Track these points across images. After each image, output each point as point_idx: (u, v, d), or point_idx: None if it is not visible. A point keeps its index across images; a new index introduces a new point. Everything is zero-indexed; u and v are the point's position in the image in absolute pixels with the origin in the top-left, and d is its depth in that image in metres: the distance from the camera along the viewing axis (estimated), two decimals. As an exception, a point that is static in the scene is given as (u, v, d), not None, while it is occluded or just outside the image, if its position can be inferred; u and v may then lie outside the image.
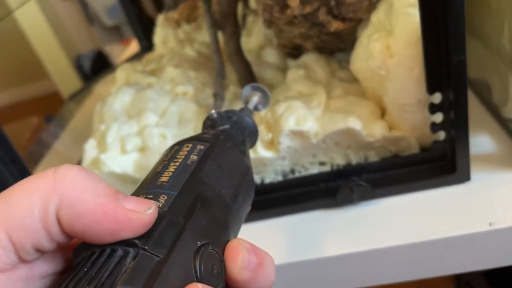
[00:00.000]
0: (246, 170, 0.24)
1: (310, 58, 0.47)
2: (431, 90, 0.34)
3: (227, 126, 0.27)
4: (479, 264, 0.34)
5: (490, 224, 0.33)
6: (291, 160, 0.41)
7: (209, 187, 0.21)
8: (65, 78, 2.17)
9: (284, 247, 0.37)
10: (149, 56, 0.63)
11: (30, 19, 2.08)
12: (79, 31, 2.34)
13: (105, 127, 0.45)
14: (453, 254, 0.34)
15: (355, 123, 0.38)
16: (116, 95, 0.47)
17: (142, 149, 0.43)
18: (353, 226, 0.36)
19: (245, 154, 0.26)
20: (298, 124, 0.39)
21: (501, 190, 0.35)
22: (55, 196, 0.16)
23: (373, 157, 0.40)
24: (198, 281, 0.17)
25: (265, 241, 0.38)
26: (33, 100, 2.55)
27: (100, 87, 0.84)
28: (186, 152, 0.22)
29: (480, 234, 0.33)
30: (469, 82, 0.47)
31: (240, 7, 0.57)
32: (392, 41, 0.36)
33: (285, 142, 0.40)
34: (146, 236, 0.17)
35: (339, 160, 0.41)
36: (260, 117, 0.42)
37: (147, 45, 0.74)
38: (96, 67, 2.20)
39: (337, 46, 0.49)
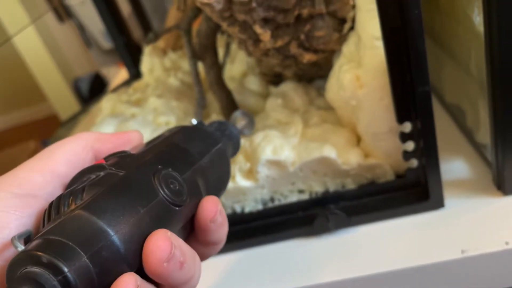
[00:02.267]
0: (216, 143, 0.28)
1: (288, 87, 0.48)
2: (400, 119, 0.35)
3: (207, 128, 0.30)
4: (452, 292, 0.34)
5: (462, 251, 0.33)
6: (270, 188, 0.42)
7: (177, 144, 0.25)
8: (63, 101, 2.19)
9: (263, 276, 0.37)
10: (136, 84, 0.64)
11: (28, 43, 2.10)
12: (76, 54, 2.37)
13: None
14: (427, 281, 0.34)
15: (330, 152, 0.39)
16: (100, 126, 0.48)
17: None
18: (329, 254, 0.37)
19: (219, 140, 0.28)
20: (275, 154, 0.40)
21: (474, 217, 0.36)
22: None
23: (350, 184, 0.41)
24: (159, 192, 0.21)
25: (244, 270, 0.38)
26: (31, 124, 2.57)
27: (95, 111, 0.86)
28: (163, 133, 0.27)
29: (452, 262, 0.33)
30: (446, 106, 0.48)
31: (222, 36, 0.58)
32: (361, 72, 0.36)
33: (263, 171, 0.41)
34: (115, 163, 0.22)
35: (318, 188, 0.42)
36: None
37: (136, 73, 0.75)
38: (94, 90, 2.22)
39: (316, 73, 0.50)
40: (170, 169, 0.23)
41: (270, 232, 0.40)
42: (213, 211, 0.24)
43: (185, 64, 0.65)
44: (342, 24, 0.38)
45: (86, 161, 0.24)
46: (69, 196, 0.20)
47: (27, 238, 0.20)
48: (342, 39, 0.39)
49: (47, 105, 2.27)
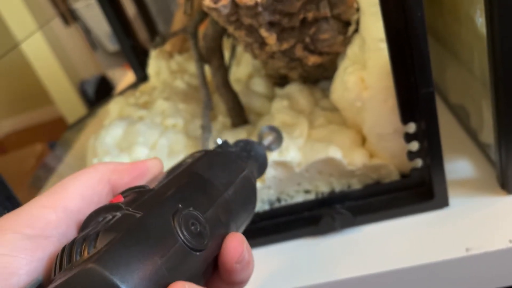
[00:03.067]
0: (241, 170, 0.26)
1: (293, 89, 0.48)
2: (404, 120, 0.35)
3: (232, 149, 0.29)
4: (457, 289, 0.35)
5: (466, 250, 0.34)
6: (276, 189, 0.43)
7: (199, 175, 0.24)
8: (69, 103, 2.21)
9: (270, 275, 0.38)
10: (142, 87, 0.65)
11: (34, 46, 2.12)
12: (82, 57, 2.38)
13: (97, 161, 0.47)
14: (432, 280, 0.34)
15: (335, 153, 0.39)
16: (108, 129, 0.49)
17: (133, 182, 0.45)
18: (335, 253, 0.37)
19: (243, 166, 0.27)
20: (281, 155, 0.40)
21: (478, 216, 0.36)
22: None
23: (356, 184, 0.41)
24: (178, 237, 0.20)
25: (251, 270, 0.39)
26: (38, 126, 2.58)
27: (101, 114, 0.86)
28: (185, 159, 0.26)
29: (457, 260, 0.33)
30: (450, 107, 0.48)
31: (228, 39, 0.59)
32: (366, 74, 0.37)
33: (270, 172, 0.41)
34: (132, 202, 0.20)
35: (323, 188, 0.42)
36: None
37: (142, 75, 0.76)
38: (100, 92, 2.24)
39: (321, 75, 0.51)
40: (191, 208, 0.21)
41: (276, 231, 0.41)
42: (239, 252, 0.22)
43: (191, 67, 0.65)
44: (347, 27, 0.39)
45: (102, 195, 0.22)
46: (82, 242, 0.19)
47: (40, 286, 0.19)
48: (347, 42, 0.39)
49: (54, 108, 2.28)
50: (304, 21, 0.37)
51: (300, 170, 0.41)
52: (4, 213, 0.39)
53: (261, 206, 0.43)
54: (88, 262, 0.17)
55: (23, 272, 0.19)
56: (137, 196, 0.21)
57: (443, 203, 0.37)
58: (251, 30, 0.38)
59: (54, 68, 2.18)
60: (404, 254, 0.35)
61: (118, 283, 0.17)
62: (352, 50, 0.39)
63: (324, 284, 0.36)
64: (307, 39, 0.38)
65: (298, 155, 0.41)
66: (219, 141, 0.29)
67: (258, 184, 0.42)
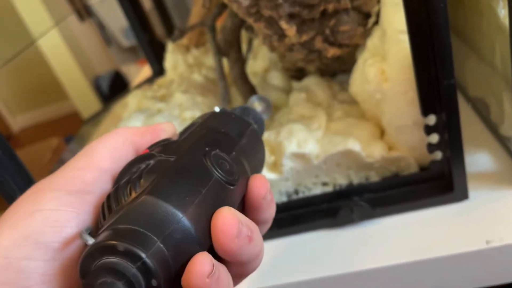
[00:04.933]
0: (248, 124, 0.28)
1: (311, 81, 0.48)
2: (425, 112, 0.35)
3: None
4: (477, 282, 0.34)
5: (487, 242, 0.33)
6: (294, 181, 0.43)
7: (214, 127, 0.26)
8: (84, 99, 2.23)
9: (288, 266, 0.38)
10: (160, 81, 0.66)
11: (50, 42, 2.15)
12: (96, 52, 2.40)
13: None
14: (451, 272, 0.34)
15: (354, 145, 0.40)
16: (127, 122, 0.50)
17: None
18: (353, 245, 0.37)
19: (250, 122, 0.29)
20: (299, 147, 0.41)
21: (499, 208, 0.36)
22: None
23: (374, 177, 0.41)
24: (214, 172, 0.21)
25: (269, 261, 0.39)
26: (53, 121, 2.62)
27: (117, 109, 0.87)
28: (195, 120, 0.28)
29: (477, 253, 0.33)
30: (469, 100, 0.48)
31: (245, 32, 0.59)
32: (386, 66, 0.37)
33: (288, 164, 0.41)
34: (162, 151, 0.22)
35: (341, 181, 0.42)
36: (263, 140, 0.44)
37: (159, 69, 0.77)
38: (114, 87, 2.26)
39: (339, 68, 0.51)
40: (218, 150, 0.23)
41: (294, 223, 0.41)
42: (264, 188, 0.24)
43: (208, 61, 0.66)
44: (367, 18, 0.39)
45: (128, 155, 0.24)
46: (126, 185, 0.20)
47: (90, 233, 0.20)
48: (367, 34, 0.39)
49: (69, 103, 2.31)
50: (324, 13, 0.37)
51: (318, 162, 0.41)
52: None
53: (278, 198, 0.43)
54: (140, 196, 0.19)
55: (73, 225, 0.20)
56: (164, 147, 0.23)
57: (463, 195, 0.37)
58: (271, 22, 0.38)
59: (70, 64, 2.20)
60: (423, 246, 0.35)
61: (174, 208, 0.18)
62: (372, 42, 0.39)
63: (342, 276, 0.36)
64: (327, 31, 0.38)
65: (316, 147, 0.41)
66: (217, 109, 0.30)
67: (276, 176, 0.42)
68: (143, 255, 0.17)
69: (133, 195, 0.19)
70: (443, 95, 0.33)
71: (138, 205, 0.18)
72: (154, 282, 0.17)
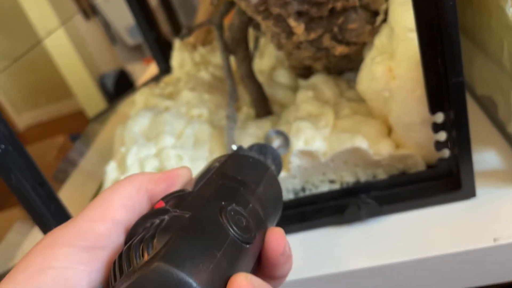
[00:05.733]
0: (266, 168, 0.28)
1: (319, 79, 0.48)
2: (433, 110, 0.35)
3: (250, 152, 0.30)
4: (484, 279, 0.35)
5: (494, 240, 0.34)
6: (301, 178, 0.43)
7: (231, 176, 0.25)
8: (89, 97, 2.24)
9: (295, 263, 0.38)
10: (167, 79, 0.66)
11: (56, 41, 2.15)
12: (101, 51, 2.41)
13: (125, 150, 0.48)
14: (458, 269, 0.34)
15: (361, 142, 0.40)
16: (135, 119, 0.50)
17: (160, 170, 0.45)
18: (361, 242, 0.38)
19: (267, 165, 0.29)
20: (307, 144, 0.41)
21: (506, 206, 0.36)
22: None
23: (381, 175, 0.42)
24: (229, 231, 0.20)
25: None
26: (58, 119, 2.63)
27: (123, 107, 0.88)
28: (212, 164, 0.27)
29: (484, 250, 0.33)
30: (476, 98, 0.48)
31: (252, 30, 0.59)
32: (394, 63, 0.37)
33: (295, 161, 0.42)
34: (177, 205, 0.21)
35: (348, 178, 0.42)
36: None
37: (165, 67, 0.77)
38: (119, 86, 2.26)
39: (346, 66, 0.51)
40: (234, 204, 0.22)
41: (302, 220, 0.41)
42: (282, 244, 0.23)
43: (215, 59, 0.66)
44: (375, 16, 0.39)
45: (142, 204, 0.23)
46: (139, 245, 0.19)
47: None
48: (374, 32, 0.39)
49: (74, 101, 2.32)
50: (332, 11, 0.37)
51: (325, 160, 0.41)
52: (38, 201, 0.40)
53: (285, 195, 0.44)
54: (153, 262, 0.18)
55: (85, 284, 0.20)
56: (179, 199, 0.22)
57: (470, 193, 0.37)
58: (279, 20, 0.38)
59: (75, 62, 2.21)
60: (430, 243, 0.35)
61: (187, 277, 0.18)
62: (380, 40, 0.39)
63: (349, 273, 0.36)
64: (335, 29, 0.38)
65: (323, 145, 0.41)
66: (234, 147, 0.30)
67: (283, 173, 0.42)
68: None
69: (146, 257, 0.18)
70: (451, 93, 0.33)
71: (151, 273, 0.18)
72: None
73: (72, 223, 0.21)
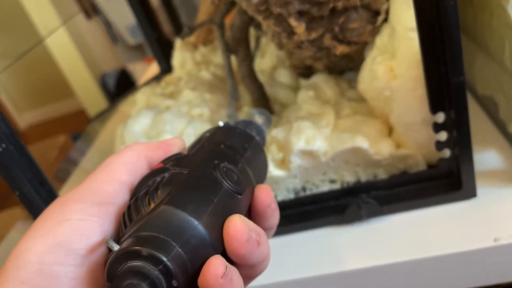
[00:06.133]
0: (252, 137, 0.30)
1: (319, 79, 0.48)
2: (433, 110, 0.35)
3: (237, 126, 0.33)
4: (485, 279, 0.34)
5: (495, 240, 0.34)
6: (302, 178, 0.43)
7: (221, 142, 0.27)
8: (90, 96, 2.24)
9: (295, 263, 0.38)
10: (168, 78, 0.66)
11: (57, 40, 2.16)
12: (103, 50, 2.41)
13: (126, 149, 0.48)
14: (459, 269, 0.34)
15: (362, 142, 0.40)
16: (136, 118, 0.50)
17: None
18: (361, 242, 0.38)
19: (253, 135, 0.31)
20: (307, 144, 0.41)
21: (507, 206, 0.36)
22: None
23: (382, 174, 0.42)
24: (223, 183, 0.23)
25: (276, 257, 0.39)
26: (60, 118, 2.63)
27: (124, 106, 0.88)
28: (203, 134, 0.29)
29: (485, 250, 0.33)
30: (477, 98, 0.48)
31: (253, 30, 0.59)
32: (395, 63, 0.37)
33: (296, 161, 0.42)
34: (175, 164, 0.24)
35: (349, 178, 0.42)
36: (272, 137, 0.44)
37: (166, 67, 0.77)
38: (120, 85, 2.27)
39: (347, 66, 0.51)
40: (226, 163, 0.25)
41: (302, 220, 0.41)
42: (269, 198, 0.25)
43: (216, 58, 0.66)
44: (376, 16, 0.39)
45: (143, 168, 0.26)
46: (145, 196, 0.22)
47: (114, 240, 0.21)
48: (375, 31, 0.39)
49: (75, 101, 2.32)
50: (333, 10, 0.37)
51: (326, 159, 0.41)
52: (39, 200, 0.40)
53: (286, 194, 0.44)
54: (159, 206, 0.20)
55: (98, 233, 0.22)
56: (176, 161, 0.25)
57: (471, 193, 0.37)
58: (280, 20, 0.38)
59: (76, 62, 2.21)
60: (431, 243, 0.35)
61: (190, 216, 0.20)
62: (381, 39, 0.39)
63: (350, 272, 0.36)
64: (336, 29, 0.38)
65: (324, 144, 0.41)
66: (221, 123, 0.32)
67: (284, 173, 0.42)
68: (164, 258, 0.19)
69: (152, 205, 0.21)
70: (452, 93, 0.33)
71: (158, 214, 0.20)
72: (174, 283, 0.19)
73: (82, 185, 0.24)
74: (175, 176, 0.23)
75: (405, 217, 0.38)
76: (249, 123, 0.33)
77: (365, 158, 0.40)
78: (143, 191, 0.22)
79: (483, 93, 0.47)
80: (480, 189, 0.38)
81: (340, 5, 0.37)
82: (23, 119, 2.81)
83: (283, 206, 0.42)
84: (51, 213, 0.22)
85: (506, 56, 0.38)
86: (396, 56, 0.37)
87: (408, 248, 0.35)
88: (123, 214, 0.22)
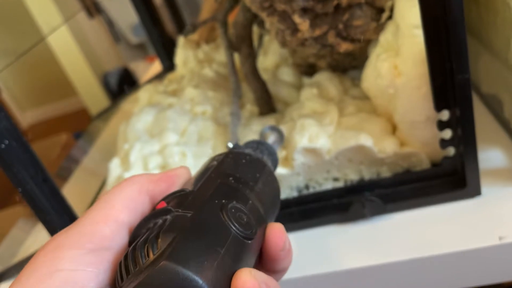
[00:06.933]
0: (263, 165, 0.28)
1: (323, 77, 0.48)
2: (438, 107, 0.35)
3: (247, 149, 0.30)
4: (489, 278, 0.34)
5: (500, 238, 0.33)
6: (305, 176, 0.43)
7: (230, 173, 0.25)
8: (92, 95, 2.24)
9: (299, 261, 0.38)
10: (170, 76, 0.66)
11: (60, 39, 2.16)
12: (105, 49, 2.41)
13: (128, 146, 0.48)
14: (463, 268, 0.34)
15: (366, 140, 0.39)
16: (139, 116, 0.50)
17: (163, 167, 0.45)
18: (365, 240, 0.37)
19: (264, 161, 0.29)
20: (311, 142, 0.41)
21: (511, 205, 0.36)
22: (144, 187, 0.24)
23: (386, 173, 0.41)
24: (231, 229, 0.21)
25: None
26: (62, 117, 2.63)
27: (126, 105, 0.88)
28: (209, 163, 0.27)
29: (490, 248, 0.33)
30: (481, 97, 0.48)
31: (256, 28, 0.59)
32: (399, 60, 0.37)
33: (299, 158, 0.41)
34: (178, 204, 0.22)
35: (352, 176, 0.42)
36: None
37: (169, 65, 0.77)
38: (122, 84, 2.27)
39: (350, 64, 0.50)
40: (234, 202, 0.23)
41: (306, 218, 0.41)
42: (282, 239, 0.23)
43: (219, 56, 0.66)
44: (380, 13, 0.39)
45: (144, 205, 0.24)
46: (144, 245, 0.20)
47: None
48: (380, 29, 0.39)
49: (77, 99, 2.32)
50: (337, 7, 0.37)
51: (329, 157, 0.41)
52: (41, 197, 0.40)
53: (289, 192, 0.44)
54: (159, 261, 0.18)
55: (93, 285, 0.20)
56: (180, 199, 0.22)
57: (476, 192, 0.37)
58: (284, 17, 0.38)
59: (78, 60, 2.21)
60: (435, 242, 0.35)
61: (193, 275, 0.18)
62: (385, 37, 0.38)
63: (354, 270, 0.36)
64: (340, 26, 0.38)
65: (328, 142, 0.41)
66: (230, 145, 0.30)
67: (287, 170, 0.42)
68: None
69: (151, 257, 0.19)
70: (457, 90, 0.33)
71: (157, 272, 0.18)
72: None
73: (76, 225, 0.22)
74: (178, 219, 0.21)
75: (409, 215, 0.38)
76: (260, 143, 0.31)
77: (369, 156, 0.40)
78: (142, 238, 0.20)
79: (488, 91, 0.46)
80: (485, 188, 0.37)
81: (344, 2, 0.36)
82: (25, 117, 2.81)
83: (286, 204, 0.42)
84: (41, 261, 0.20)
85: (510, 55, 0.38)
86: (400, 54, 0.37)
87: (412, 246, 0.35)
88: (120, 264, 0.20)
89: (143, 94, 0.58)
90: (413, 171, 0.40)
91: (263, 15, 0.38)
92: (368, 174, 0.42)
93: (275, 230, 0.24)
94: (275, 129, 0.34)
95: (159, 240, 0.19)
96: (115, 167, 0.47)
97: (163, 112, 0.50)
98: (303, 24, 0.37)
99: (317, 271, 0.37)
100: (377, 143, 0.40)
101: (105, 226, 0.22)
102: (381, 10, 0.39)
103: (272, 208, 0.27)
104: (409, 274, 0.35)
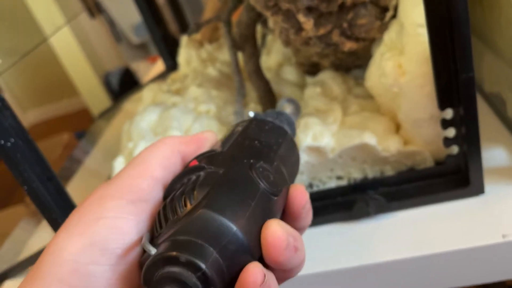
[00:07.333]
0: (284, 131, 0.29)
1: (326, 76, 0.48)
2: (442, 106, 0.35)
3: (268, 118, 0.31)
4: (493, 276, 0.34)
5: (503, 236, 0.33)
6: (309, 174, 0.43)
7: (255, 138, 0.27)
8: (94, 95, 2.24)
9: (303, 259, 0.38)
10: (173, 75, 0.66)
11: (61, 39, 2.16)
12: (106, 49, 2.42)
13: (132, 145, 0.48)
14: (467, 266, 0.34)
15: (370, 139, 0.40)
16: (143, 114, 0.50)
17: (168, 166, 0.46)
18: (369, 238, 0.38)
19: (285, 128, 0.30)
20: (315, 140, 0.41)
21: (515, 203, 0.36)
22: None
23: (389, 171, 0.42)
24: (260, 185, 0.22)
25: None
26: (63, 117, 2.64)
27: (128, 105, 0.88)
28: (235, 128, 0.29)
29: (493, 246, 0.33)
30: (484, 96, 0.48)
31: (259, 27, 0.59)
32: (403, 59, 0.37)
33: (303, 157, 0.42)
34: (210, 162, 0.23)
35: (356, 174, 0.42)
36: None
37: (172, 64, 0.77)
38: (124, 84, 2.27)
39: (353, 63, 0.51)
40: (262, 162, 0.24)
41: (309, 216, 0.41)
42: (304, 199, 0.25)
43: (222, 56, 0.66)
44: (384, 12, 0.39)
45: (176, 164, 0.25)
46: (181, 197, 0.21)
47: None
48: (384, 27, 0.39)
49: (79, 99, 2.33)
50: (342, 6, 0.37)
51: (333, 156, 0.41)
52: (46, 195, 0.40)
53: (293, 191, 0.44)
54: (197, 209, 0.20)
55: (134, 232, 0.22)
56: (211, 158, 0.24)
57: (479, 190, 0.37)
58: (289, 15, 0.38)
59: (80, 60, 2.21)
60: (438, 240, 0.35)
61: (228, 222, 0.20)
62: (389, 36, 0.39)
63: (358, 268, 0.36)
64: (345, 25, 0.38)
65: (331, 141, 0.41)
66: (251, 114, 0.31)
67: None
68: (203, 265, 0.19)
69: (189, 206, 0.21)
70: (461, 89, 0.33)
71: (196, 218, 0.20)
72: None
73: (115, 180, 0.23)
74: (211, 175, 0.22)
75: (412, 213, 0.38)
76: (279, 114, 0.32)
77: (373, 154, 0.40)
78: (179, 190, 0.22)
79: (491, 90, 0.47)
80: (488, 186, 0.38)
81: (348, 1, 0.37)
82: (27, 117, 2.82)
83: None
84: (86, 210, 0.22)
85: (514, 53, 0.38)
86: (404, 53, 0.37)
87: (416, 244, 0.35)
88: (158, 213, 0.22)
89: (147, 93, 0.58)
90: (416, 169, 0.40)
91: (267, 14, 0.39)
92: (371, 172, 0.42)
93: (298, 190, 0.25)
94: (292, 101, 0.35)
95: (195, 192, 0.21)
96: (119, 166, 0.47)
97: (167, 111, 0.50)
98: (308, 23, 0.37)
99: (321, 269, 0.37)
100: (381, 141, 0.40)
101: (143, 180, 0.23)
102: (385, 9, 0.39)
103: (293, 171, 0.28)
104: (413, 272, 0.36)
